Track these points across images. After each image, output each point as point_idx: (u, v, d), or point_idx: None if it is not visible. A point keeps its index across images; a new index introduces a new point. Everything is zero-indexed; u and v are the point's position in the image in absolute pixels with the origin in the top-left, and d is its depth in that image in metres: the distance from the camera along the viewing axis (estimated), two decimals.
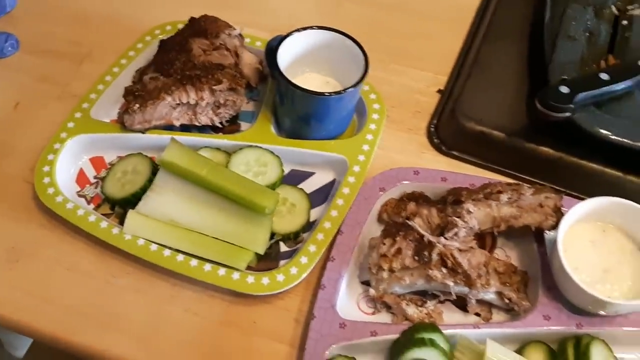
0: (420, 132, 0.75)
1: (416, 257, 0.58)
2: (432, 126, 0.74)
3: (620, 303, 0.55)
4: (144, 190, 0.65)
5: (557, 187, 0.65)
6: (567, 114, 0.60)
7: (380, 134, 0.72)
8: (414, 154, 0.73)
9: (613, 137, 0.62)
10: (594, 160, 0.65)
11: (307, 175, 0.70)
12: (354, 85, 0.66)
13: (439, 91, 0.77)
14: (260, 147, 0.68)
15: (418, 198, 0.65)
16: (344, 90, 0.65)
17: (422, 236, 0.59)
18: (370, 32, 0.79)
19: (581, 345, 0.55)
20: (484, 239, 0.64)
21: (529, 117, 0.67)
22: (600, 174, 0.65)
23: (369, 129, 0.71)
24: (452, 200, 0.62)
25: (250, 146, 0.68)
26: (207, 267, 0.61)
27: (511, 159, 0.68)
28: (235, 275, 0.61)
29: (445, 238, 0.58)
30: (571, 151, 0.65)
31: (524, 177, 0.68)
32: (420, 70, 0.80)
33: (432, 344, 0.54)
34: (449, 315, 0.60)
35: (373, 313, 0.61)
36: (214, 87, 0.69)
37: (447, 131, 0.72)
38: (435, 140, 0.72)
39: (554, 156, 0.66)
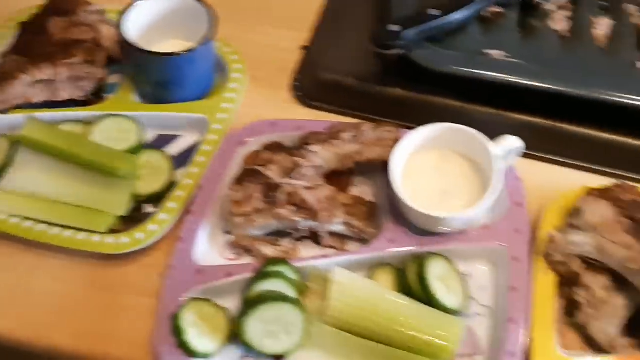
0: (284, 88, 0.77)
1: (266, 200, 0.61)
2: (296, 81, 0.76)
3: (453, 217, 0.59)
4: (3, 168, 0.67)
5: (409, 125, 0.68)
6: (400, 51, 0.63)
7: (243, 92, 0.74)
8: (279, 109, 0.75)
9: (449, 70, 0.65)
10: (438, 94, 0.68)
11: (172, 139, 0.72)
12: (202, 43, 0.68)
13: (304, 47, 0.80)
14: (120, 115, 0.70)
15: (274, 147, 0.67)
16: (192, 49, 0.68)
17: (269, 179, 0.61)
18: None
19: (420, 262, 0.58)
20: (341, 179, 0.68)
21: (376, 62, 0.70)
22: (445, 108, 0.68)
23: (230, 88, 0.73)
24: (300, 145, 0.64)
25: (110, 115, 0.70)
26: (67, 233, 0.63)
27: (365, 103, 0.71)
28: (96, 238, 0.62)
29: (291, 178, 0.61)
30: (416, 89, 0.69)
31: (378, 118, 0.70)
32: (287, 30, 0.82)
33: (279, 275, 0.57)
34: (307, 251, 0.63)
35: (236, 259, 0.64)
36: (68, 61, 0.71)
37: (308, 84, 0.75)
38: (298, 94, 0.75)
39: (402, 96, 0.69)
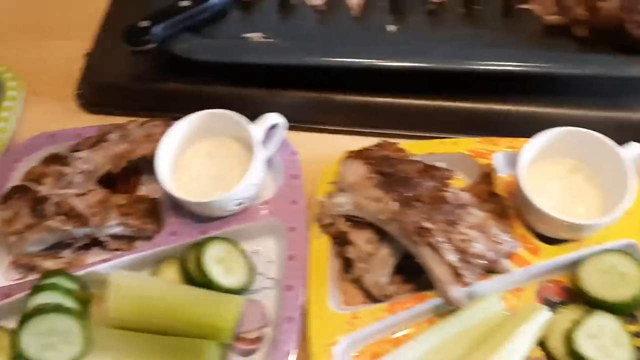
0: (70, 98, 0.77)
1: (34, 214, 0.60)
2: (79, 89, 0.76)
3: (223, 198, 0.60)
4: None
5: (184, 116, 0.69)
6: (151, 45, 0.64)
7: (19, 109, 0.74)
8: (65, 119, 0.74)
9: (206, 58, 0.66)
10: (208, 83, 0.70)
11: None
12: None
13: (86, 55, 0.79)
14: None
15: (50, 159, 0.66)
16: None
17: (37, 193, 0.61)
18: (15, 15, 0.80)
19: (197, 249, 0.59)
20: (128, 181, 0.68)
21: (139, 59, 0.71)
22: (215, 95, 0.70)
23: (4, 107, 0.72)
24: (69, 152, 0.64)
25: None
26: None
27: (141, 101, 0.72)
28: None
29: (60, 188, 0.61)
30: (187, 80, 0.70)
31: (157, 114, 0.69)
32: (69, 40, 0.81)
33: (54, 287, 0.57)
34: (95, 258, 0.63)
35: (22, 278, 0.63)
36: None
37: (90, 91, 0.75)
38: (82, 102, 0.75)
39: (174, 89, 0.71)
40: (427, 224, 0.55)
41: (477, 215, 0.58)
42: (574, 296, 0.61)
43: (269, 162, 0.67)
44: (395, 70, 0.65)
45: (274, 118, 0.63)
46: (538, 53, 0.65)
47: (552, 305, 0.60)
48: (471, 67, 0.64)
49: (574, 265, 0.61)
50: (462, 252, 0.55)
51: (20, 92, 0.74)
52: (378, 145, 0.64)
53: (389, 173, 0.60)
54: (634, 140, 0.65)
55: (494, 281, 0.60)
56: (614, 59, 0.65)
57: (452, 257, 0.55)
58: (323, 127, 0.70)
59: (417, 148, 0.67)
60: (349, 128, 0.70)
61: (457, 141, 0.68)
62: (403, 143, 0.66)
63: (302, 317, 0.58)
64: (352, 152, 0.63)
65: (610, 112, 0.67)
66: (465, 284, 0.55)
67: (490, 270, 0.59)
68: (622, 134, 0.64)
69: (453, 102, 0.69)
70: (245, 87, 0.69)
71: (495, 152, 0.66)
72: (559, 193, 0.62)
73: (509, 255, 0.59)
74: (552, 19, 0.67)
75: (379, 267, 0.60)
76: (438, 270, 0.56)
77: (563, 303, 0.61)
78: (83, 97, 0.74)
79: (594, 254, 0.61)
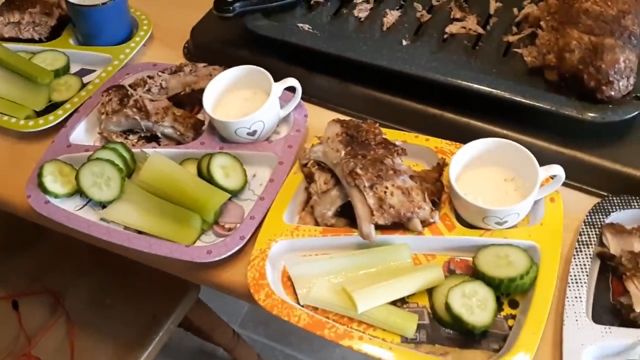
0: (178, 47, 1.05)
1: (120, 104, 0.88)
2: (185, 44, 1.04)
3: (233, 121, 0.83)
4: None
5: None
6: (229, 15, 0.90)
7: (141, 43, 1.03)
8: (169, 61, 1.03)
9: (262, 32, 0.91)
10: (267, 55, 0.94)
11: (90, 72, 1.02)
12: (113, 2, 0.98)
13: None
14: (55, 50, 1.01)
15: (149, 77, 0.95)
16: (104, 4, 0.98)
17: (127, 91, 0.89)
18: None
19: (210, 155, 0.83)
20: (191, 105, 0.94)
21: (234, 31, 0.97)
22: (269, 65, 0.93)
23: (135, 39, 1.03)
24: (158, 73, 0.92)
25: (49, 50, 1.01)
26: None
27: (223, 60, 0.95)
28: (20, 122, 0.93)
29: (140, 91, 0.89)
30: (254, 50, 0.95)
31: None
32: (189, 9, 1.09)
33: (114, 149, 0.84)
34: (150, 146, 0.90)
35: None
36: (30, 10, 1.03)
37: (191, 45, 1.03)
38: (185, 52, 1.03)
39: (248, 57, 0.93)
40: (359, 171, 0.74)
41: (406, 181, 0.75)
42: (475, 274, 0.75)
43: (287, 118, 0.90)
44: (390, 72, 0.84)
45: (291, 81, 0.86)
46: (505, 82, 0.80)
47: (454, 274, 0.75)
48: (448, 81, 0.82)
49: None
50: (379, 199, 0.73)
51: (147, 33, 1.05)
52: (362, 120, 0.84)
53: (354, 136, 0.79)
54: (577, 175, 0.78)
55: (412, 239, 0.76)
56: (567, 100, 0.78)
57: (372, 201, 0.73)
58: (336, 108, 0.92)
59: (395, 135, 0.85)
60: (356, 113, 0.90)
61: (430, 139, 0.85)
62: (385, 129, 0.85)
63: (261, 219, 0.79)
64: (338, 119, 0.83)
65: (560, 147, 0.80)
66: (374, 223, 0.73)
67: (405, 226, 0.75)
68: (569, 168, 0.77)
69: (438, 110, 0.86)
70: (290, 64, 0.92)
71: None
72: (488, 194, 0.77)
73: (425, 221, 0.75)
74: (530, 61, 0.82)
75: (328, 203, 0.79)
76: (358, 207, 0.74)
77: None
78: (186, 49, 1.03)
79: (499, 243, 0.75)
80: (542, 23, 0.82)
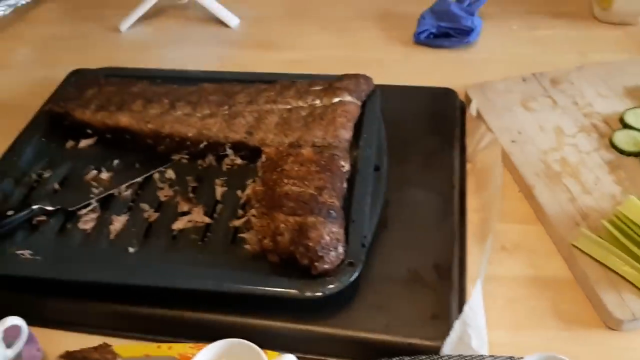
0: None
1: None
2: None
3: None
4: None
5: None
6: None
7: None
8: None
9: None
10: None
11: None
12: None
13: None
14: None
15: None
16: None
17: None
18: None
19: None
20: None
21: None
22: None
23: None
24: None
25: None
26: None
27: None
28: None
29: None
30: None
31: None
32: None
33: None
34: None
35: None
36: None
37: None
38: None
39: None
40: None
41: None
42: None
43: (20, 355, 0.82)
44: (115, 286, 0.83)
45: (12, 320, 0.80)
46: (230, 273, 0.82)
47: None
48: (176, 285, 0.82)
49: None
50: None
51: None
52: (94, 348, 0.79)
53: None
54: (318, 348, 0.80)
55: None
56: (289, 282, 0.81)
57: None
58: (79, 328, 0.87)
59: (135, 350, 0.82)
60: (100, 330, 0.85)
61: (173, 346, 0.82)
62: (121, 346, 0.81)
63: None
64: (68, 352, 0.78)
65: (297, 324, 0.82)
66: None
67: None
68: (308, 342, 0.79)
69: (178, 311, 0.85)
70: (18, 292, 0.87)
71: None
72: None
73: None
74: (250, 248, 0.85)
75: None
76: None
77: None
78: None
79: None
80: (253, 210, 0.87)
